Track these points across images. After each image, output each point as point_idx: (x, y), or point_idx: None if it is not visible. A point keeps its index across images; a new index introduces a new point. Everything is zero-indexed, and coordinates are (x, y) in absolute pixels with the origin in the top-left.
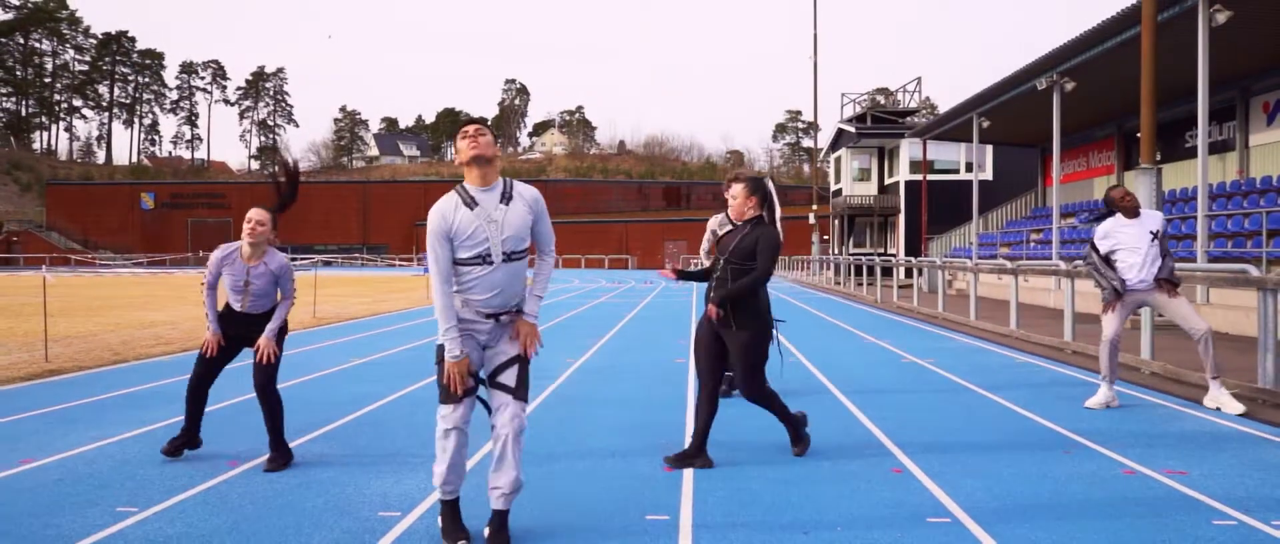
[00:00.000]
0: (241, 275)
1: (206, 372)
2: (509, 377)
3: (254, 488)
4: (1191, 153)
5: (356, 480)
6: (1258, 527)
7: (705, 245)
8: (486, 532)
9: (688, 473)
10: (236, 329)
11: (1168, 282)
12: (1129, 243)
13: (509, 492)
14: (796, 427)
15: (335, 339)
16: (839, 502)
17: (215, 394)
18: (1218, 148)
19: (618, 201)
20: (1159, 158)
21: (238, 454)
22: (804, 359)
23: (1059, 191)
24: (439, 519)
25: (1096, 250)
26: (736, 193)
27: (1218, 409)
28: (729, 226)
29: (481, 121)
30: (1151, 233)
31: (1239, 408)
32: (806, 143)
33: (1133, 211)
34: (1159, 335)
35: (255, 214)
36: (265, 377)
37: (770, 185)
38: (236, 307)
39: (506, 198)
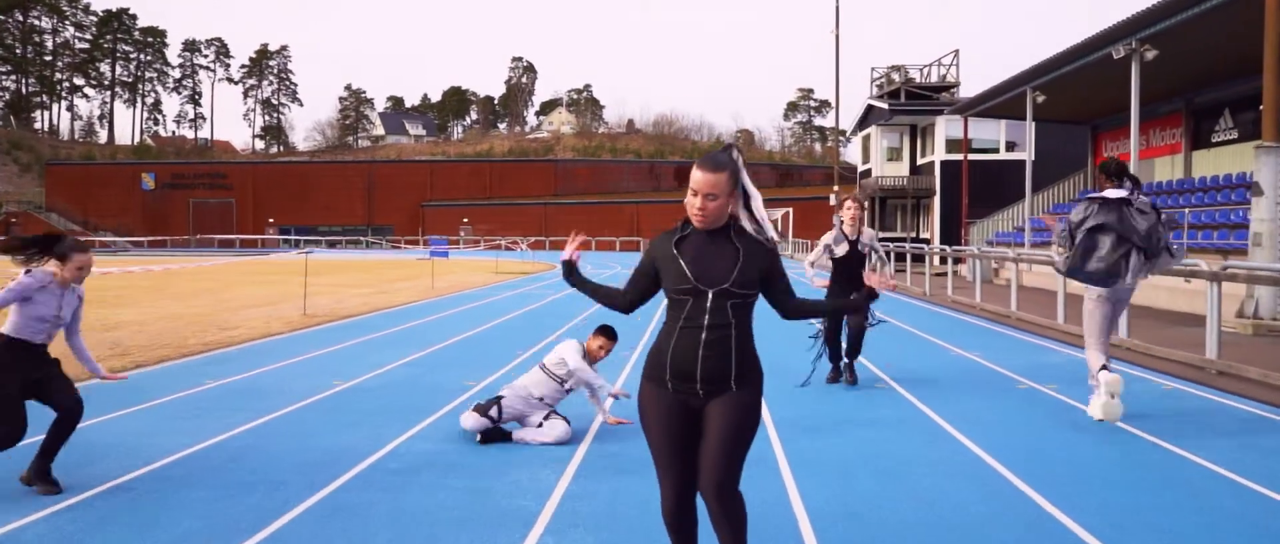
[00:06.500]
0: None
1: None
2: None
3: None
4: None
5: None
6: None
7: (818, 256)
8: None
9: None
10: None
11: None
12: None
13: None
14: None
15: (320, 348)
16: None
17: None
18: None
19: (628, 182)
20: (1236, 137)
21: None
22: (902, 390)
23: (1138, 170)
24: None
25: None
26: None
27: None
28: (845, 242)
29: None
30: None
31: None
32: (819, 121)
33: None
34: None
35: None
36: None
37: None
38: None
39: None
